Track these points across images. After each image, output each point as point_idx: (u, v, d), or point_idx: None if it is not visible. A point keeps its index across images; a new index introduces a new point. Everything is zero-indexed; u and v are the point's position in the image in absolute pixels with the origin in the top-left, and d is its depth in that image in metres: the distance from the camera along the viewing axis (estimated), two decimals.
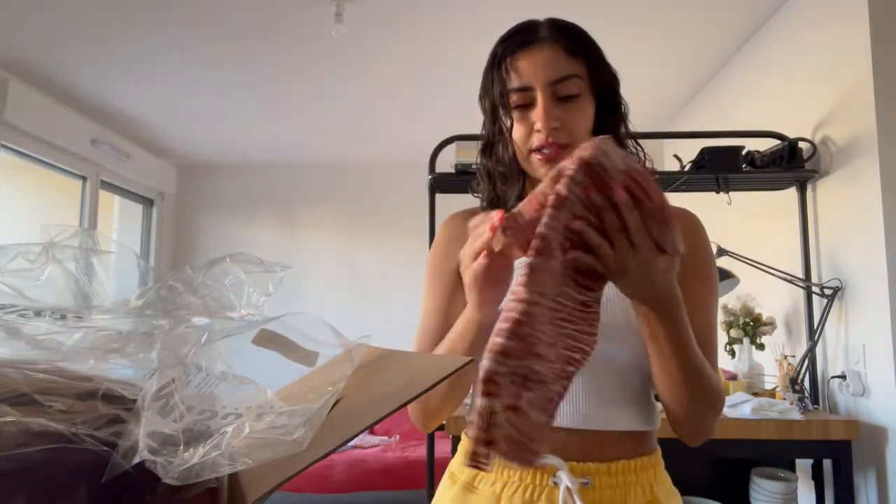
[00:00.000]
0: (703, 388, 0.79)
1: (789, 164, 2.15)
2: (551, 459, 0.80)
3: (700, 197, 2.82)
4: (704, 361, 0.79)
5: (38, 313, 0.39)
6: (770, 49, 2.52)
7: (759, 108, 2.62)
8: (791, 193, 2.27)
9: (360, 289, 4.61)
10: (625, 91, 0.93)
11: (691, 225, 0.94)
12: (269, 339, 0.46)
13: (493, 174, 0.93)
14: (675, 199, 3.54)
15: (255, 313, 0.44)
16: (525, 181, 0.92)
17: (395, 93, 3.33)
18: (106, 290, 0.43)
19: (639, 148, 0.93)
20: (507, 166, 0.90)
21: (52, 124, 3.34)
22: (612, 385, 0.86)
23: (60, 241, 0.41)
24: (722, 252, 2.33)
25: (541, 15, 0.93)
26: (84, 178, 3.81)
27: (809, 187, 2.21)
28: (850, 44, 1.96)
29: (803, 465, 2.18)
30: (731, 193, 2.31)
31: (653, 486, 0.85)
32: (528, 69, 0.84)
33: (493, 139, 0.91)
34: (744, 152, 2.28)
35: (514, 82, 0.85)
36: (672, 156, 2.52)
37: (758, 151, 2.26)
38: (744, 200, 2.54)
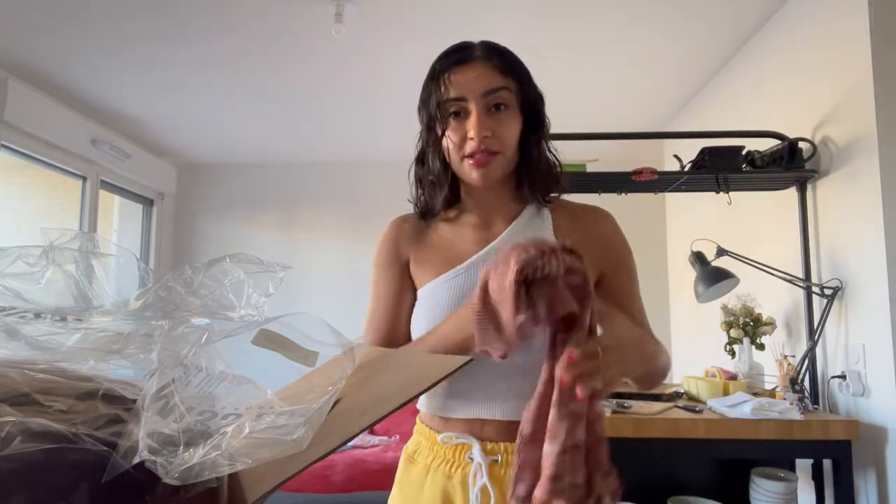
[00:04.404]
0: (658, 367, 0.95)
1: (789, 164, 2.15)
2: (467, 439, 0.95)
3: (700, 197, 2.81)
4: (655, 351, 0.93)
5: (38, 315, 0.39)
6: (770, 49, 2.52)
7: (759, 108, 2.62)
8: (791, 193, 2.27)
9: (360, 289, 4.59)
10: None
11: (608, 225, 1.04)
12: (269, 339, 0.46)
13: (423, 182, 1.03)
14: (675, 199, 3.55)
15: (254, 313, 0.44)
16: (451, 188, 1.02)
17: (395, 92, 3.33)
18: (106, 292, 0.43)
19: (556, 154, 1.04)
20: (436, 175, 1.01)
21: (52, 124, 3.34)
22: (530, 382, 0.94)
23: (60, 244, 0.41)
24: (722, 252, 2.33)
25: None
26: (84, 178, 3.81)
27: (809, 187, 2.21)
28: (850, 44, 1.96)
29: (803, 465, 2.18)
30: (731, 193, 2.31)
31: None
32: (464, 82, 0.94)
33: (426, 149, 1.00)
34: (744, 152, 2.28)
35: (450, 93, 0.94)
36: (672, 156, 2.52)
37: (758, 151, 2.26)
38: (744, 200, 2.54)
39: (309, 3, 2.40)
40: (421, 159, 1.03)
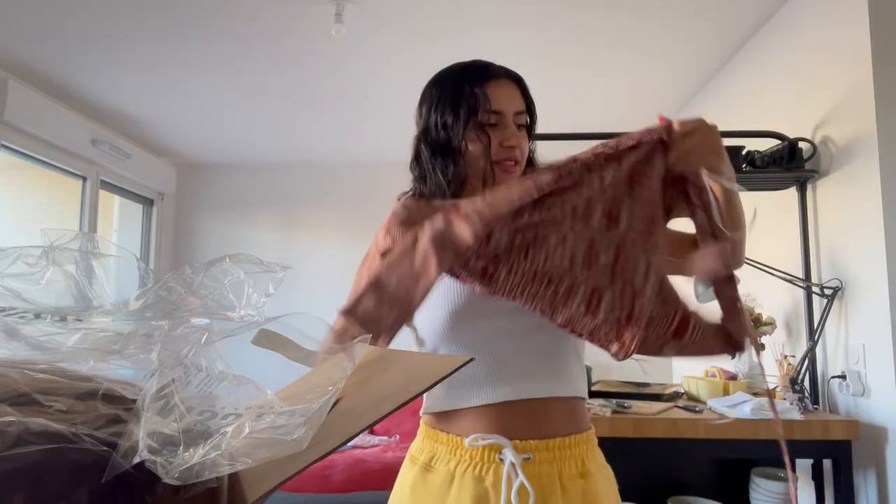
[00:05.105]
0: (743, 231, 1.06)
1: (789, 164, 2.15)
2: (497, 439, 0.94)
3: None
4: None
5: (38, 315, 0.39)
6: (770, 49, 2.52)
7: (759, 108, 2.62)
8: (791, 193, 2.27)
9: None
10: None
11: None
12: (269, 339, 0.46)
13: (456, 177, 1.04)
14: None
15: (254, 313, 0.44)
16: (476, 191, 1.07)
17: (395, 92, 3.33)
18: (106, 292, 0.43)
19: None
20: (465, 174, 1.04)
21: (52, 124, 3.34)
22: (550, 353, 1.00)
23: (60, 245, 0.41)
24: None
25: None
26: (84, 178, 3.81)
27: (809, 187, 2.21)
28: (850, 44, 1.96)
29: (803, 465, 2.18)
30: None
31: (584, 460, 0.99)
32: (502, 97, 1.03)
33: (454, 147, 1.03)
34: (744, 152, 2.28)
35: (491, 105, 1.02)
36: None
37: (758, 151, 2.26)
38: (744, 200, 2.54)
39: (309, 3, 2.40)
40: (451, 156, 1.04)
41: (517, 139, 1.03)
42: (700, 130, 0.90)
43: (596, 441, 1.05)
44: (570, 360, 1.02)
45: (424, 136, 1.06)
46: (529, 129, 1.09)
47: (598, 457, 1.04)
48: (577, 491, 0.95)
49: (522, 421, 0.96)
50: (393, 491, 1.04)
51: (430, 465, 0.99)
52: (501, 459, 0.93)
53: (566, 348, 1.02)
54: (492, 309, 0.97)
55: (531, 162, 1.11)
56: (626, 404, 2.01)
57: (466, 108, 1.02)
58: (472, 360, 0.62)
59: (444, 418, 1.00)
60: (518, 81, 1.07)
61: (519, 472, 0.91)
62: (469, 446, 0.95)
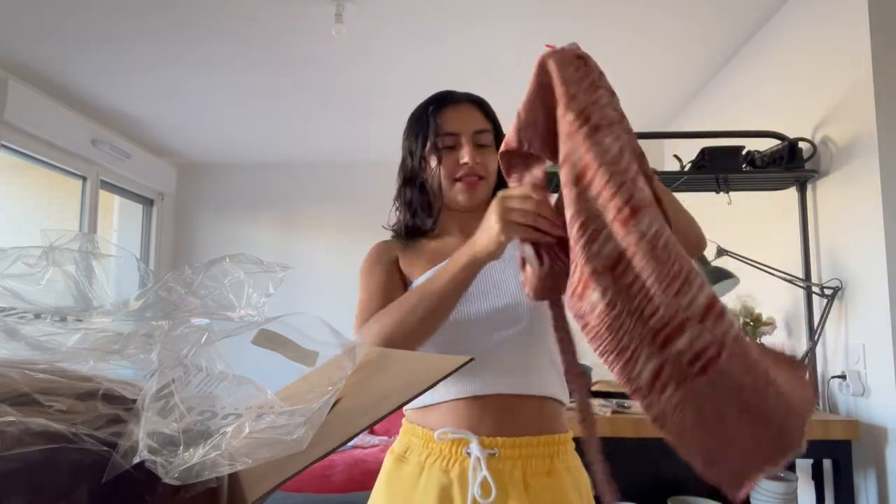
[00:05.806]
0: (690, 219, 1.05)
1: (789, 164, 2.15)
2: (464, 434, 0.98)
3: (700, 197, 2.83)
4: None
5: (38, 315, 0.39)
6: (770, 49, 2.52)
7: (759, 108, 2.62)
8: (791, 193, 2.27)
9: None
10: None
11: None
12: (268, 340, 0.46)
13: (413, 203, 1.17)
14: None
15: (254, 313, 0.44)
16: (441, 210, 1.16)
17: (395, 92, 3.33)
18: (106, 293, 0.43)
19: None
20: (430, 196, 1.14)
21: (52, 124, 3.34)
22: (521, 352, 1.04)
23: (60, 245, 0.41)
24: (722, 252, 2.33)
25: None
26: (84, 178, 3.81)
27: (809, 187, 2.21)
28: (850, 44, 1.96)
29: (803, 465, 2.18)
30: (731, 193, 2.31)
31: (553, 460, 1.01)
32: (457, 119, 1.12)
33: (416, 174, 1.15)
34: (744, 152, 2.28)
35: (444, 128, 1.11)
36: (672, 156, 2.52)
37: (758, 151, 2.26)
38: (744, 200, 2.54)
39: (309, 3, 2.40)
40: (412, 182, 1.16)
41: (471, 156, 1.09)
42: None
43: (572, 446, 1.07)
44: (542, 361, 1.06)
45: (402, 164, 1.19)
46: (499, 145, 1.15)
47: (572, 460, 1.06)
48: (540, 488, 0.98)
49: (491, 417, 1.00)
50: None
51: (404, 456, 1.04)
52: (468, 453, 0.97)
53: (540, 350, 1.06)
54: (463, 307, 1.02)
55: (502, 176, 1.15)
56: (626, 404, 2.01)
57: (423, 135, 1.12)
58: (472, 359, 0.62)
59: (420, 413, 1.06)
60: (479, 104, 1.15)
61: (483, 466, 0.94)
62: (438, 439, 0.99)
